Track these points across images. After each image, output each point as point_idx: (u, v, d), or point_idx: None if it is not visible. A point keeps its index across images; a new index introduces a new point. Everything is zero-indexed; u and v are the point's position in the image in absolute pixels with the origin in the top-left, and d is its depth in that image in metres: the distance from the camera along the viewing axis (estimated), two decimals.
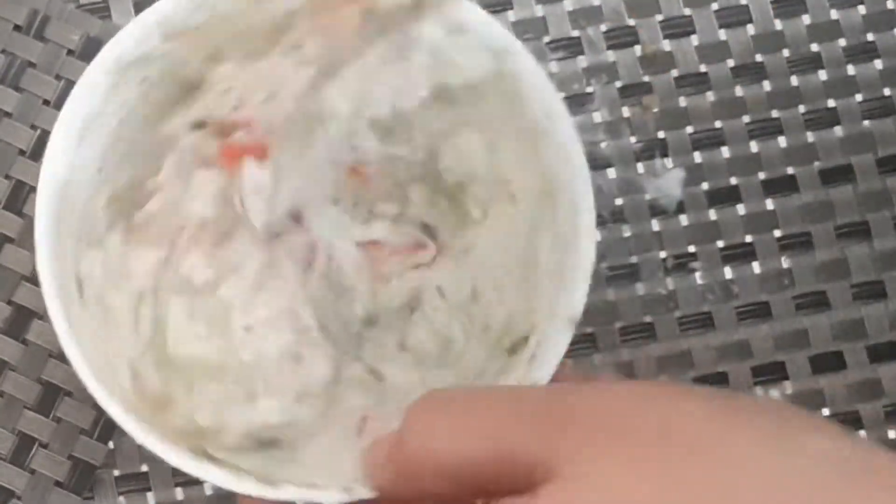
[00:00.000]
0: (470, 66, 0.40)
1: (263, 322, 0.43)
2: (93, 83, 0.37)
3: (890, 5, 0.48)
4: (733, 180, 0.48)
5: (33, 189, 0.46)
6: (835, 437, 0.27)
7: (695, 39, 0.48)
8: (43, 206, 0.37)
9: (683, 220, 0.47)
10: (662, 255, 0.47)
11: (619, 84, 0.48)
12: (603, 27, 0.48)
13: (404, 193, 0.43)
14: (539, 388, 0.34)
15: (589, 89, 0.48)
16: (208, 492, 0.46)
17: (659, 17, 0.48)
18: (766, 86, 0.48)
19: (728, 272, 0.47)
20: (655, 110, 0.48)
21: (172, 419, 0.40)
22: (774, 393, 0.46)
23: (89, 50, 0.47)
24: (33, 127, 0.47)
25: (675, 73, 0.48)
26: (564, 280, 0.40)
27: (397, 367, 0.42)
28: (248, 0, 0.39)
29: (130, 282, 0.41)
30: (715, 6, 0.48)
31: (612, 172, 0.47)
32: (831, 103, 0.48)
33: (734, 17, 0.48)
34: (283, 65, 0.41)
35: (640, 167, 0.48)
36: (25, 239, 0.46)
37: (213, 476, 0.36)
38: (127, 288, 0.41)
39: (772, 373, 0.47)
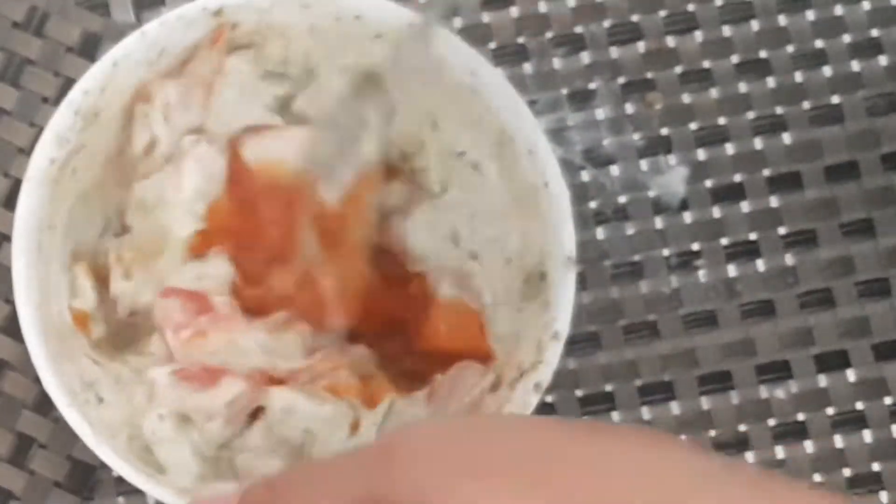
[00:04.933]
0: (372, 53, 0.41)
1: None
2: (38, 181, 0.40)
3: (894, 1, 0.48)
4: (737, 177, 0.47)
5: None
6: (693, 448, 0.29)
7: (699, 35, 0.48)
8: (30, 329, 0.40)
9: (687, 217, 0.47)
10: (666, 252, 0.47)
11: (622, 81, 0.48)
12: (606, 23, 0.48)
13: None
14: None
15: (592, 86, 0.48)
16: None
17: (662, 13, 0.48)
18: (771, 82, 0.48)
19: (732, 270, 0.47)
20: (659, 107, 0.48)
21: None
22: (779, 392, 0.46)
23: (89, 47, 0.47)
24: (32, 124, 0.46)
25: (678, 69, 0.48)
26: (547, 224, 0.40)
27: None
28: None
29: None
30: (719, 2, 0.48)
31: (615, 170, 0.47)
32: (836, 99, 0.48)
33: (738, 13, 0.48)
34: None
35: (644, 164, 0.47)
36: None
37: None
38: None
39: (776, 371, 0.46)
